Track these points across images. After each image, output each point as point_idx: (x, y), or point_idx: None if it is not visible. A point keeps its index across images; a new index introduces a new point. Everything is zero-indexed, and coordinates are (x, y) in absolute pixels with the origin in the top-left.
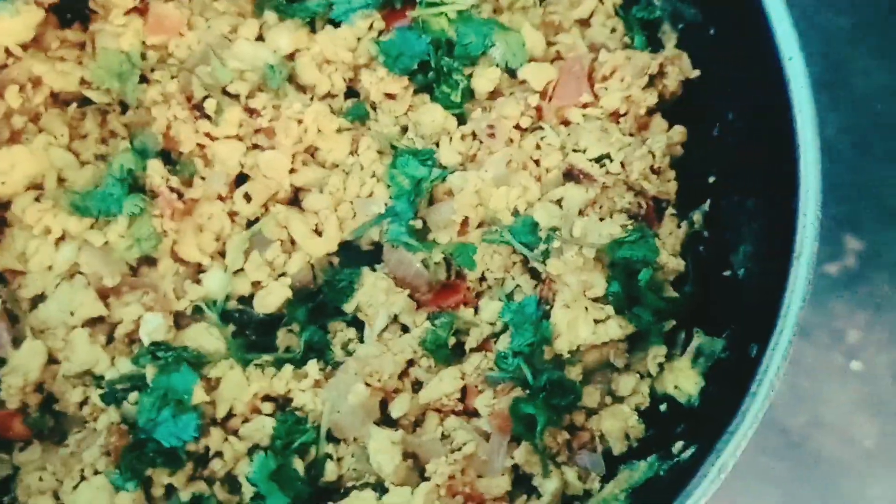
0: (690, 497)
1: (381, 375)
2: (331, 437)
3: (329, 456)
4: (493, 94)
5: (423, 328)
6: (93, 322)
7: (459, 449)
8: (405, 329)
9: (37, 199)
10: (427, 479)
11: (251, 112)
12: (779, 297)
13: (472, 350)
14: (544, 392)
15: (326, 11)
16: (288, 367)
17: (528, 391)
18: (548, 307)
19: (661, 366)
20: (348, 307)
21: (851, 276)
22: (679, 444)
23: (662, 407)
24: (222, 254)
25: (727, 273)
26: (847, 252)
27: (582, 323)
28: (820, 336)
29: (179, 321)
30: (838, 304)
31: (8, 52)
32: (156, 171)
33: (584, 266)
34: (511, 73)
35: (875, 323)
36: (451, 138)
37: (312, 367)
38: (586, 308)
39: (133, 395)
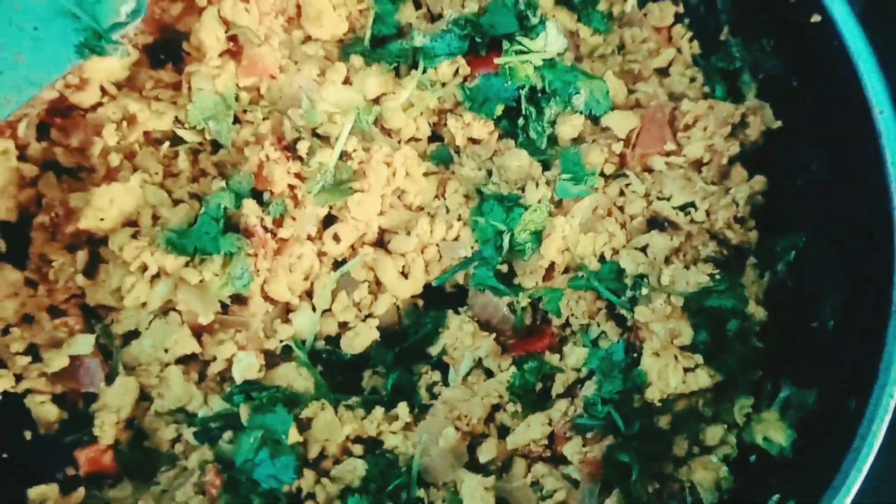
0: None
1: (470, 419)
2: (420, 481)
3: (420, 500)
4: (576, 141)
5: (509, 373)
6: (186, 359)
7: (551, 496)
8: (489, 373)
9: (133, 237)
10: None
11: (342, 155)
12: (878, 351)
13: (558, 396)
14: (637, 440)
15: (411, 57)
16: (378, 409)
17: (619, 439)
18: (634, 355)
19: (748, 416)
20: (434, 350)
21: None
22: (775, 498)
23: (752, 458)
24: (310, 294)
25: (814, 324)
26: None
27: (672, 371)
28: None
29: (269, 361)
30: None
31: (103, 90)
32: (251, 211)
33: (672, 314)
34: (594, 120)
35: None
36: (536, 183)
37: (403, 409)
38: (676, 357)
39: (227, 434)
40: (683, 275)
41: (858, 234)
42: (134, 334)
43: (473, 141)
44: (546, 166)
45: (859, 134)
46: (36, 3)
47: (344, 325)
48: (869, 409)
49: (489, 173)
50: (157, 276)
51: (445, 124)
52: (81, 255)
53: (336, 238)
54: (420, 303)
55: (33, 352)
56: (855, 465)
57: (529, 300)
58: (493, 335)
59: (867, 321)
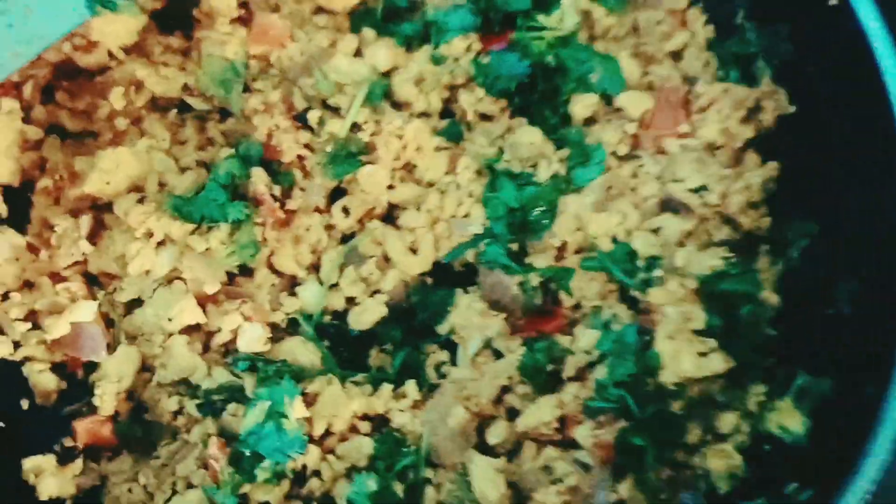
0: None
1: (479, 399)
2: (429, 462)
3: (428, 480)
4: (589, 121)
5: (519, 353)
6: (189, 330)
7: (562, 481)
8: (498, 354)
9: (139, 202)
10: None
11: (353, 127)
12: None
13: (569, 379)
14: (650, 424)
15: (423, 33)
16: (386, 387)
17: (632, 423)
18: (647, 338)
19: (762, 404)
20: (442, 329)
21: None
22: (792, 486)
23: (766, 447)
24: (316, 267)
25: (830, 311)
26: None
27: (686, 355)
28: None
29: (274, 334)
30: None
31: (111, 54)
32: (260, 179)
33: (686, 297)
34: (607, 100)
35: None
36: (549, 162)
37: (412, 387)
38: (689, 340)
39: (231, 407)
40: (697, 258)
41: (874, 220)
42: (137, 303)
43: (485, 117)
44: (559, 145)
45: (875, 119)
46: None
47: (351, 301)
48: (888, 393)
49: (501, 150)
50: (162, 242)
51: (457, 100)
52: (85, 220)
53: (345, 211)
54: (429, 280)
55: (33, 320)
56: (874, 449)
57: (541, 280)
58: (503, 315)
59: (884, 307)
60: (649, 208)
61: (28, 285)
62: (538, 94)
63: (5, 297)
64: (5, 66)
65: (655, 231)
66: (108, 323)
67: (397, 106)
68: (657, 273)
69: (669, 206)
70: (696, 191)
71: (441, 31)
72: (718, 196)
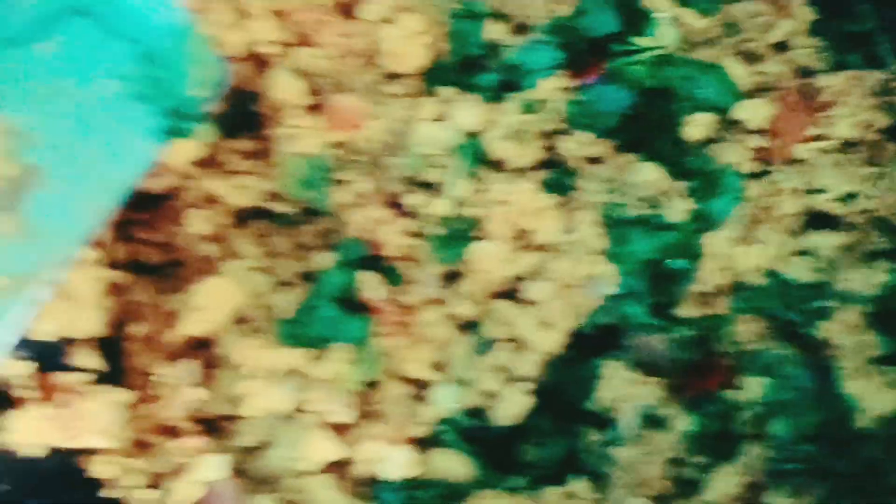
0: None
1: (652, 482)
2: None
3: None
4: (706, 142)
5: (685, 420)
6: (325, 466)
7: None
8: (659, 423)
9: (244, 334)
10: None
11: (454, 202)
12: None
13: (741, 438)
14: (853, 480)
15: (506, 81)
16: (554, 491)
17: (831, 482)
18: (825, 378)
19: None
20: (592, 405)
21: None
22: None
23: None
24: (443, 365)
25: None
26: None
27: (876, 391)
28: None
29: (416, 449)
30: None
31: (183, 174)
32: (371, 284)
33: (858, 324)
34: (722, 113)
35: None
36: (675, 198)
37: (580, 485)
38: (874, 372)
39: None
40: (861, 276)
41: None
42: (266, 446)
43: (592, 161)
44: (681, 177)
45: None
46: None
47: (488, 394)
48: None
49: (619, 194)
50: (280, 374)
51: (555, 147)
52: (189, 365)
53: (462, 296)
54: (569, 354)
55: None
56: None
57: (693, 333)
58: (657, 379)
59: None
60: (794, 229)
61: (141, 445)
62: (646, 125)
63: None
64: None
65: (808, 253)
66: (239, 473)
67: (494, 166)
68: (822, 302)
69: (815, 221)
70: (842, 199)
71: (525, 73)
72: (867, 199)
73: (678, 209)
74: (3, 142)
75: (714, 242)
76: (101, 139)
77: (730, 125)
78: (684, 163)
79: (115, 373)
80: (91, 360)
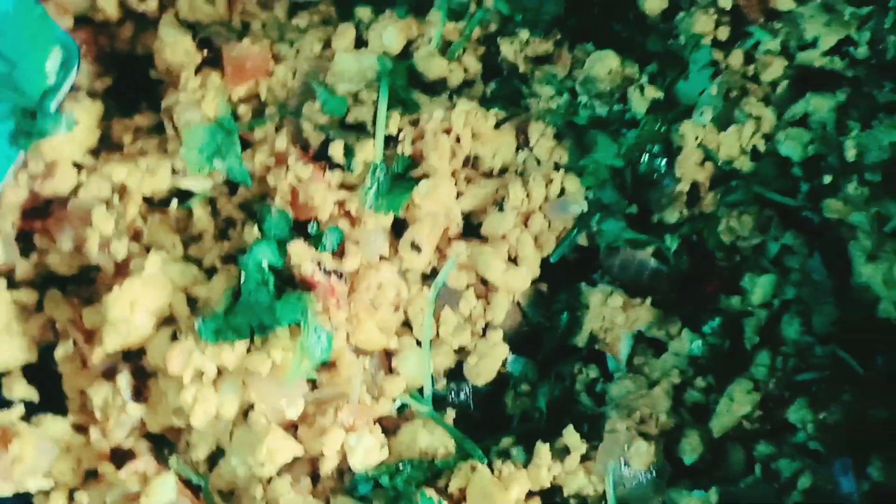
0: None
1: (656, 417)
2: None
3: None
4: (668, 14)
5: (685, 339)
6: (289, 466)
7: (793, 484)
8: (658, 347)
9: (173, 337)
10: None
11: (388, 142)
12: None
13: (755, 348)
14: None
15: None
16: (543, 448)
17: (860, 386)
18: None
19: None
20: (580, 340)
21: None
22: None
23: None
24: (408, 327)
25: None
26: None
27: None
28: None
29: (388, 428)
30: None
31: (79, 167)
32: (302, 255)
33: (872, 197)
34: None
35: None
36: (640, 87)
37: (570, 436)
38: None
39: None
40: (871, 138)
41: None
42: (219, 454)
43: (540, 60)
44: (643, 61)
45: None
46: None
47: (462, 351)
48: None
49: (573, 95)
50: (218, 376)
51: (499, 52)
52: (123, 379)
53: (415, 246)
54: (543, 287)
55: None
56: None
57: (680, 239)
58: (648, 298)
59: None
60: (784, 95)
61: (91, 475)
62: (597, 6)
63: (70, 498)
64: None
65: (803, 122)
66: (195, 489)
67: (428, 90)
68: (826, 177)
69: (808, 82)
70: (836, 49)
71: None
72: (867, 45)
73: (642, 99)
74: None
75: (690, 131)
76: None
77: None
78: (644, 44)
79: (54, 398)
80: (22, 390)
